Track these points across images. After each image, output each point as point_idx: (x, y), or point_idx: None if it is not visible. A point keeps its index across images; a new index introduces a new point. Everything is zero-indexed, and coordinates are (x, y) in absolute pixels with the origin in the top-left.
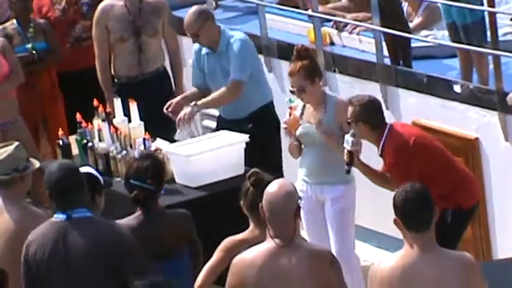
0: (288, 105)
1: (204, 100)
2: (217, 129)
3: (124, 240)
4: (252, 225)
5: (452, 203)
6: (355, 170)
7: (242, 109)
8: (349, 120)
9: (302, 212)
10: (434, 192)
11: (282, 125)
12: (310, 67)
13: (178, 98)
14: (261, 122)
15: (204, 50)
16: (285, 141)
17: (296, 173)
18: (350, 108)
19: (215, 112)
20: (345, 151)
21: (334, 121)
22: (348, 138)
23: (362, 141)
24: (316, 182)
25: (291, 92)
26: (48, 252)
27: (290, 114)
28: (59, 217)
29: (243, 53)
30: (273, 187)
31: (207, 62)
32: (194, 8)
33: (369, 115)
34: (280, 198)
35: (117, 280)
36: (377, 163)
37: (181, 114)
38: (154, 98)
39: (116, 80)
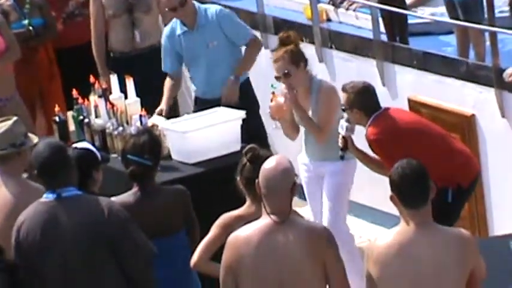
0: (271, 90)
1: (238, 67)
2: (196, 110)
3: (117, 216)
4: (248, 202)
5: (452, 182)
6: None
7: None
8: (343, 107)
9: (305, 188)
10: (434, 174)
11: (267, 111)
12: (295, 51)
13: (163, 105)
14: (244, 96)
15: (179, 30)
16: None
17: (292, 153)
18: (344, 95)
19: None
20: (340, 136)
21: (317, 106)
22: (343, 123)
23: (356, 127)
24: (317, 159)
25: (276, 78)
26: (40, 233)
27: (272, 100)
28: (48, 197)
29: (235, 19)
30: (270, 163)
31: (184, 42)
32: None
33: (364, 102)
34: (276, 174)
35: (112, 257)
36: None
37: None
38: (147, 73)
39: (111, 55)
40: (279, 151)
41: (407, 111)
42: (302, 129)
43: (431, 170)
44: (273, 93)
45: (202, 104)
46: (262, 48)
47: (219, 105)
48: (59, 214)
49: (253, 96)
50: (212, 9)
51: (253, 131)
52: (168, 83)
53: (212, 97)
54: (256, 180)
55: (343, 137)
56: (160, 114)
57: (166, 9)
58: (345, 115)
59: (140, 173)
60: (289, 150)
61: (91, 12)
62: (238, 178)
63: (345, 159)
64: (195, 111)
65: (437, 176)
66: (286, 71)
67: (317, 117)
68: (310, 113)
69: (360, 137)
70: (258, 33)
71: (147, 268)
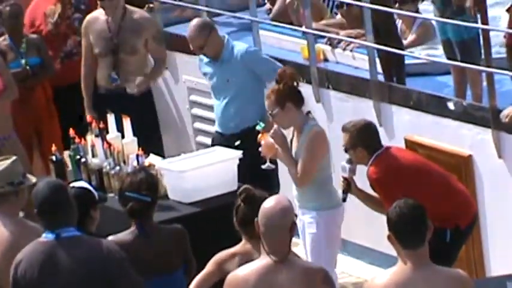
0: (259, 128)
1: None
2: (213, 144)
3: (114, 258)
4: (243, 240)
5: (450, 223)
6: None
7: (238, 122)
8: (346, 147)
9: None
10: (433, 213)
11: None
12: (282, 92)
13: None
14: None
15: (206, 59)
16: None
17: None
18: (345, 135)
19: (209, 128)
20: (341, 179)
21: (301, 149)
22: (345, 165)
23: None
24: (298, 205)
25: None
26: (38, 272)
27: (261, 139)
28: (47, 237)
29: (262, 57)
30: (270, 202)
31: (207, 69)
32: (196, 20)
33: (367, 139)
34: (276, 213)
35: None
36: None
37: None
38: (131, 113)
39: (97, 91)
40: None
41: (407, 150)
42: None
43: (430, 210)
44: (262, 132)
45: (217, 138)
46: None
47: (233, 141)
48: (57, 254)
49: None
50: (239, 47)
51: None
52: None
53: (224, 132)
54: (256, 219)
55: (346, 179)
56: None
57: (192, 48)
58: (346, 157)
59: (139, 210)
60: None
61: (82, 44)
62: (234, 219)
63: (319, 210)
64: (212, 144)
65: (436, 216)
66: (271, 111)
67: (300, 160)
68: (294, 151)
69: (358, 177)
70: None
71: None
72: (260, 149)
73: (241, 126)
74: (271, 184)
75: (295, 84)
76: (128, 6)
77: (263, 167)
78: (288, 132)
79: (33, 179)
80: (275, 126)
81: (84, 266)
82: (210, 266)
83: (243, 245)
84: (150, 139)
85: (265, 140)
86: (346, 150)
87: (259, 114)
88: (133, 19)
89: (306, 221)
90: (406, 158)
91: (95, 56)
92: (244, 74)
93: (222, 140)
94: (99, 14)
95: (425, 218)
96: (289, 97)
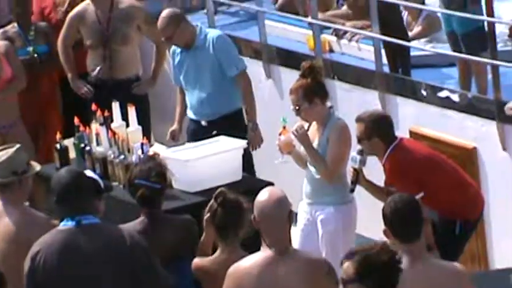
0: (281, 124)
1: (249, 114)
2: (194, 133)
3: (136, 243)
4: (219, 250)
5: (461, 215)
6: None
7: (213, 109)
8: (360, 137)
9: (296, 230)
10: (443, 205)
11: (276, 144)
12: (310, 87)
13: (175, 125)
14: (234, 125)
15: (179, 48)
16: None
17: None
18: (360, 125)
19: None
20: (351, 169)
21: (327, 143)
22: (356, 156)
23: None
24: (310, 202)
25: (294, 110)
26: (59, 261)
27: (281, 134)
28: (67, 224)
29: (233, 46)
30: (263, 195)
31: (180, 57)
32: (166, 11)
33: (383, 130)
34: (271, 205)
35: (132, 283)
36: (379, 178)
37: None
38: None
39: (88, 78)
40: (283, 185)
41: (418, 141)
42: (302, 172)
43: (443, 201)
44: (284, 127)
45: (192, 124)
46: (265, 78)
47: (205, 128)
48: (79, 241)
49: (244, 126)
50: (212, 33)
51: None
52: (179, 96)
53: (199, 118)
54: (252, 216)
55: (355, 170)
56: (173, 136)
57: (163, 39)
58: (357, 147)
59: (149, 197)
60: (294, 186)
61: (61, 37)
62: (205, 217)
63: (337, 205)
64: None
65: (448, 208)
66: (297, 106)
67: (328, 155)
68: (316, 143)
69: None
70: (260, 63)
71: None
72: (277, 142)
73: (217, 113)
74: (248, 167)
75: (321, 78)
76: None
77: (277, 162)
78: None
79: (37, 167)
80: (298, 123)
81: (110, 252)
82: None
83: (219, 256)
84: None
85: (286, 136)
86: (359, 141)
87: (234, 101)
88: (122, 8)
89: (320, 218)
90: (421, 150)
91: (85, 47)
92: (214, 61)
93: (198, 127)
94: (87, 6)
95: (420, 212)
96: (317, 92)
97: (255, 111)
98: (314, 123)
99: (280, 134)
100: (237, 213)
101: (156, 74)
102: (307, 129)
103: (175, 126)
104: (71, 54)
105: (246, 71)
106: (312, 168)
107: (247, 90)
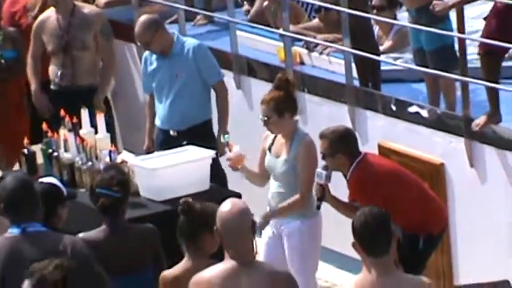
0: (224, 141)
1: (222, 123)
2: (163, 143)
3: (77, 252)
4: (185, 258)
5: (424, 229)
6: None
7: (184, 119)
8: (324, 154)
9: (261, 244)
10: (408, 220)
11: (226, 161)
12: (282, 100)
13: (147, 142)
14: (203, 136)
15: (155, 55)
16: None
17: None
18: (324, 142)
19: None
20: (316, 186)
21: (295, 160)
22: (322, 172)
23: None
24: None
25: (262, 120)
26: (3, 268)
27: (230, 151)
28: (13, 232)
29: (211, 56)
30: (225, 207)
31: (156, 64)
32: (144, 17)
33: (348, 145)
34: (233, 216)
35: None
36: (345, 193)
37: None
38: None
39: (51, 86)
40: (254, 196)
41: (382, 156)
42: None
43: (406, 216)
44: (228, 143)
45: (160, 134)
46: (234, 88)
47: (174, 138)
48: (22, 248)
49: (213, 136)
50: (190, 42)
51: (211, 172)
52: (148, 104)
53: (169, 128)
54: (215, 227)
55: (321, 186)
56: (148, 151)
57: (139, 44)
58: (321, 163)
59: (110, 206)
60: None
61: (30, 48)
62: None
63: (303, 218)
64: (158, 143)
65: (411, 223)
66: (266, 117)
67: (300, 179)
68: (283, 158)
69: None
70: (231, 74)
71: None
72: (228, 162)
73: (187, 123)
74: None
75: (294, 93)
76: (77, 2)
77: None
78: (267, 135)
79: None
80: (264, 135)
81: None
82: None
83: (184, 264)
84: None
85: (233, 152)
86: (323, 157)
87: (205, 111)
88: (83, 14)
89: (285, 231)
90: (385, 165)
91: (47, 54)
92: (193, 69)
93: (167, 137)
94: (51, 13)
95: (389, 226)
96: (289, 106)
97: (227, 121)
98: (280, 136)
99: (229, 151)
100: (202, 221)
101: (104, 91)
102: (272, 142)
103: (147, 143)
104: (39, 67)
105: (223, 81)
106: (276, 183)
107: (224, 99)
